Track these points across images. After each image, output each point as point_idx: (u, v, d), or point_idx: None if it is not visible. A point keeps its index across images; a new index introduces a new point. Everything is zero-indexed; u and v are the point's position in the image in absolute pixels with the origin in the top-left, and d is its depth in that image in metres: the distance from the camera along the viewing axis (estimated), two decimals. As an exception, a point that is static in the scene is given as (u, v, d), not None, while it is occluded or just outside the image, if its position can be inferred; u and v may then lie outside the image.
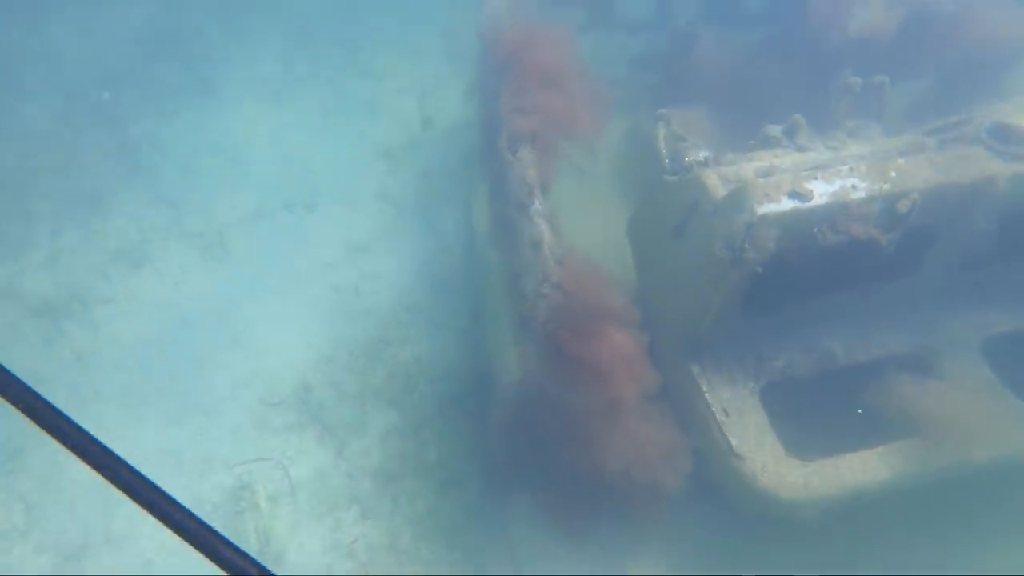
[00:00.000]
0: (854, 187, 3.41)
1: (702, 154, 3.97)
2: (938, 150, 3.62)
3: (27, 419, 1.13)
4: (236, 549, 1.06)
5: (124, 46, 6.92)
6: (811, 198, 3.36)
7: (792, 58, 5.37)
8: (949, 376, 3.88)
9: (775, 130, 4.03)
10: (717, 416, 3.69)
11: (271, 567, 1.10)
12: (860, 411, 3.76)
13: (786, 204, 3.35)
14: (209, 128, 6.31)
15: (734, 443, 3.59)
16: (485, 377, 4.77)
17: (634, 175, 5.34)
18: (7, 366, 1.15)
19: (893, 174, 3.45)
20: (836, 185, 3.40)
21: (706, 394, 3.74)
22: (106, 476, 1.10)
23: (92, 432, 1.14)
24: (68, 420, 1.12)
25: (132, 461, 1.13)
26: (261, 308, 5.38)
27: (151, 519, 1.11)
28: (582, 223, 5.01)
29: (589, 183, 5.36)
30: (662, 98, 5.63)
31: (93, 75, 6.67)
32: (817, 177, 3.42)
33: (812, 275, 3.67)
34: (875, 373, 3.89)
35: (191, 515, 1.08)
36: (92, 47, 6.88)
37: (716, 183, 3.60)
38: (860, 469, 3.59)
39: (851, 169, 3.46)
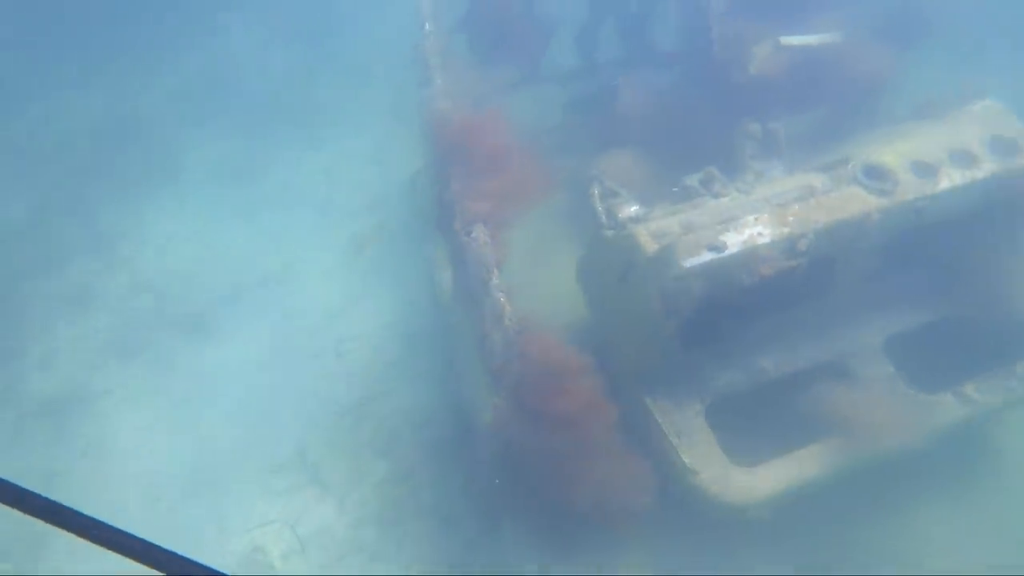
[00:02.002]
0: (760, 234, 4.03)
1: (633, 209, 4.56)
2: (826, 191, 4.26)
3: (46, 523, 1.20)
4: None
5: (88, 136, 7.21)
6: (726, 248, 3.97)
7: (703, 97, 6.00)
8: (860, 377, 4.55)
9: (693, 180, 4.65)
10: (671, 439, 4.27)
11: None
12: None
13: (706, 256, 3.95)
14: (179, 213, 6.67)
15: (688, 461, 4.18)
16: (465, 419, 5.29)
17: (580, 218, 5.91)
18: (15, 469, 1.38)
19: (791, 218, 4.09)
20: (745, 234, 4.02)
21: (660, 421, 4.33)
22: (139, 560, 1.14)
23: (109, 519, 1.20)
24: (80, 515, 1.17)
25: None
26: (250, 381, 5.79)
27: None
28: (537, 267, 5.60)
29: (541, 226, 5.91)
30: (596, 142, 6.27)
31: (61, 168, 6.96)
32: (729, 229, 4.04)
33: (738, 308, 4.29)
34: (802, 382, 4.53)
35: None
36: (57, 139, 7.16)
37: (647, 239, 4.18)
38: (795, 468, 4.22)
39: (756, 219, 4.08)
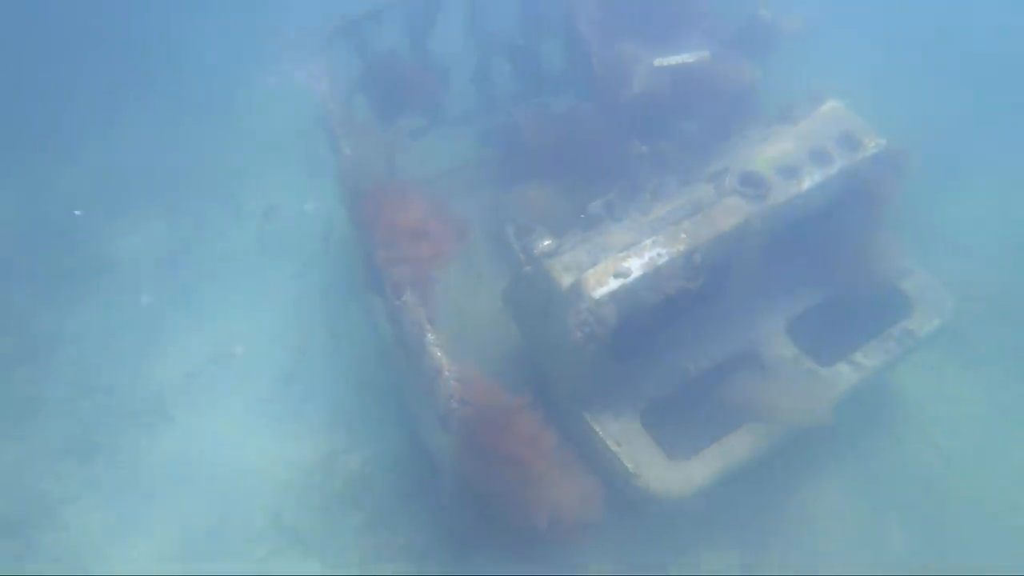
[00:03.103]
0: (659, 255, 4.50)
1: (546, 243, 4.97)
2: (711, 204, 4.76)
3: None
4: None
5: (2, 242, 7.18)
6: (631, 273, 4.42)
7: (596, 119, 6.45)
8: (769, 361, 5.09)
9: (596, 207, 5.09)
10: (612, 448, 4.72)
11: None
12: None
13: (613, 283, 4.39)
14: (115, 305, 6.76)
15: (629, 467, 4.63)
16: (427, 458, 5.62)
17: (501, 249, 6.29)
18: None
19: (683, 236, 4.58)
20: (646, 257, 4.48)
21: (599, 433, 4.77)
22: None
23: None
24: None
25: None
26: (215, 457, 5.99)
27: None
28: (471, 298, 5.98)
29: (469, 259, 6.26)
30: (506, 174, 6.67)
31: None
32: (631, 255, 4.49)
33: (653, 322, 4.76)
34: (722, 374, 5.04)
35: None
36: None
37: (560, 273, 4.61)
38: (724, 455, 4.72)
39: (653, 241, 4.54)
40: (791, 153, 4.99)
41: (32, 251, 7.23)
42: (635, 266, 4.46)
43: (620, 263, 4.48)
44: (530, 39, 6.85)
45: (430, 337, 4.40)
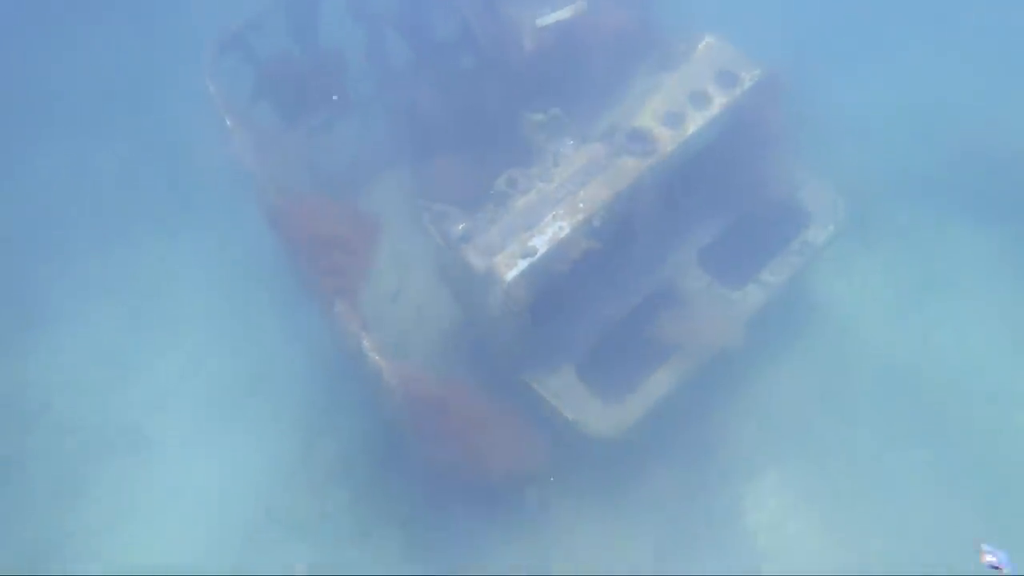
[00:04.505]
0: (561, 228, 4.83)
1: (461, 226, 5.27)
2: (605, 166, 5.05)
3: None
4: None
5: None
6: (537, 251, 4.77)
7: (492, 80, 6.58)
8: (684, 292, 5.54)
9: (501, 183, 5.37)
10: (551, 401, 5.20)
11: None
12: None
13: (523, 264, 4.75)
14: (70, 346, 6.99)
15: (569, 416, 5.13)
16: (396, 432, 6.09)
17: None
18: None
19: (581, 205, 4.90)
20: (548, 234, 4.82)
21: (539, 390, 5.24)
22: None
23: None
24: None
25: None
26: (200, 467, 6.41)
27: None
28: (406, 277, 6.31)
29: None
30: (416, 149, 6.86)
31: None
32: (535, 234, 4.82)
33: (568, 285, 5.14)
34: (645, 316, 5.48)
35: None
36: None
37: (476, 258, 4.94)
38: (654, 389, 5.23)
39: (554, 216, 4.87)
40: (674, 100, 5.24)
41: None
42: (540, 243, 4.80)
43: (526, 243, 4.81)
44: (414, 12, 6.84)
45: (366, 343, 4.76)
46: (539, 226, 4.86)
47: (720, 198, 5.75)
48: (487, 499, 5.57)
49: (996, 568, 2.20)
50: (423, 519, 6.00)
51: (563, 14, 6.03)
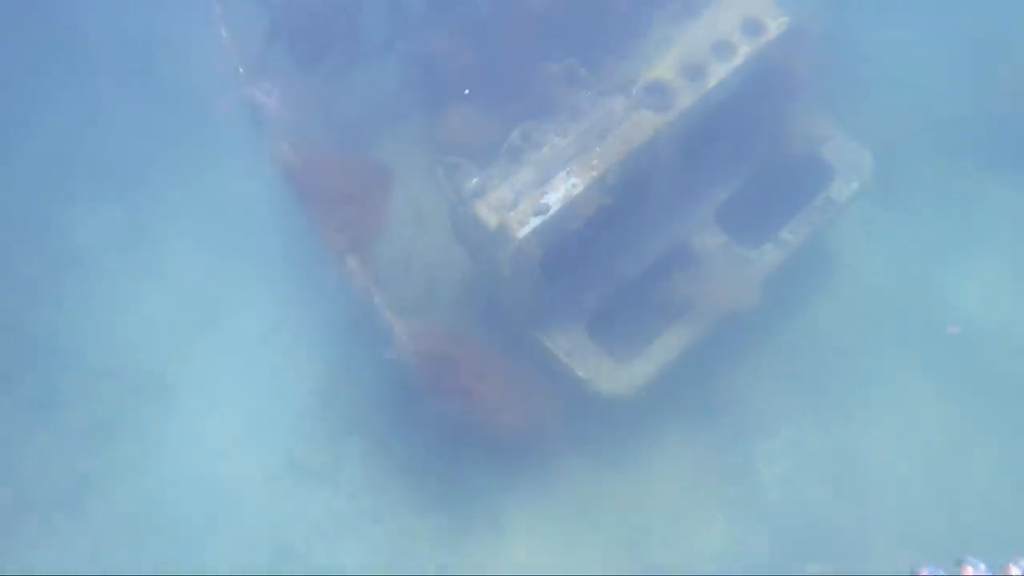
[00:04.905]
0: (574, 185, 4.74)
1: (474, 180, 5.20)
2: (621, 120, 4.90)
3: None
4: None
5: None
6: (549, 209, 4.69)
7: (508, 25, 6.36)
8: (699, 252, 5.44)
9: (516, 137, 5.25)
10: (563, 359, 5.21)
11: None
12: None
13: (535, 221, 4.68)
14: (95, 290, 7.13)
15: (580, 374, 5.14)
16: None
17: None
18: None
19: (595, 162, 4.78)
20: (562, 191, 4.73)
21: (551, 348, 5.25)
22: None
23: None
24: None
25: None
26: (224, 416, 6.58)
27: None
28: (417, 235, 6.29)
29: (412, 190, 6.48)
30: (432, 99, 6.71)
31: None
32: (548, 190, 4.73)
33: (581, 242, 5.08)
34: (658, 275, 5.41)
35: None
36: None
37: (488, 214, 4.89)
38: (667, 349, 5.21)
39: (568, 172, 4.76)
40: (696, 51, 5.03)
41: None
42: (553, 200, 4.72)
43: (539, 199, 4.73)
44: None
45: (378, 299, 4.77)
46: (552, 182, 4.76)
47: (740, 153, 5.57)
48: (498, 451, 5.65)
49: None
50: (436, 471, 6.12)
51: (582, -44, 5.77)
